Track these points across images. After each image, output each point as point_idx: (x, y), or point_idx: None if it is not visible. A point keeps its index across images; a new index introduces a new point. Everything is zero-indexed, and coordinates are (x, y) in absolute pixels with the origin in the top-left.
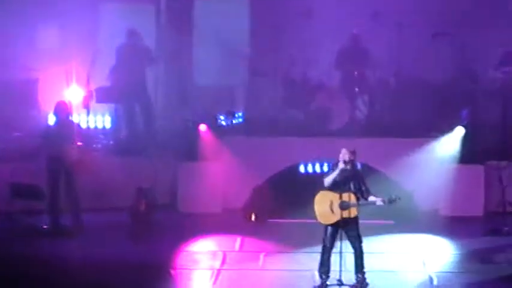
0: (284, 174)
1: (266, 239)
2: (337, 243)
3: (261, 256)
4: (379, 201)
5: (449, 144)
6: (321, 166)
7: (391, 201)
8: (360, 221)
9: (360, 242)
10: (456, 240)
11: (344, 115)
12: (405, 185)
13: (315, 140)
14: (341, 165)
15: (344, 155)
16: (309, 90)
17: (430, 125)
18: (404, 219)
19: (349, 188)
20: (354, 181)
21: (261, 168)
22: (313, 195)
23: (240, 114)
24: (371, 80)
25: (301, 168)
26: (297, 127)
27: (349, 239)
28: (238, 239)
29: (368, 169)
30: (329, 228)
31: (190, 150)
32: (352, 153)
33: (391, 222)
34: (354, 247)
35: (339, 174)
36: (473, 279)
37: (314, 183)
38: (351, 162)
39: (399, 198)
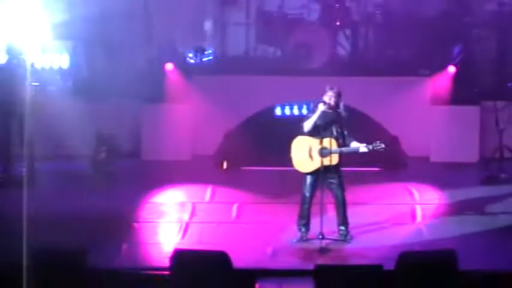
0: (259, 118)
1: (239, 189)
2: (318, 193)
3: (234, 207)
4: (362, 147)
5: (441, 83)
6: (300, 108)
7: (376, 148)
8: (343, 169)
9: (343, 191)
10: (448, 189)
11: (324, 52)
12: (392, 129)
13: (293, 79)
14: (322, 108)
15: (329, 97)
16: (286, 25)
17: (419, 63)
18: (391, 167)
19: (331, 133)
20: (336, 125)
21: (234, 111)
22: (291, 141)
23: (210, 51)
24: (354, 13)
25: (278, 111)
26: (273, 65)
27: (330, 188)
28: (209, 189)
29: (351, 112)
30: (308, 176)
31: (155, 92)
32: (336, 93)
33: (377, 169)
34: (335, 197)
35: (319, 118)
36: (468, 230)
37: (292, 127)
38: (334, 104)
39: (385, 144)
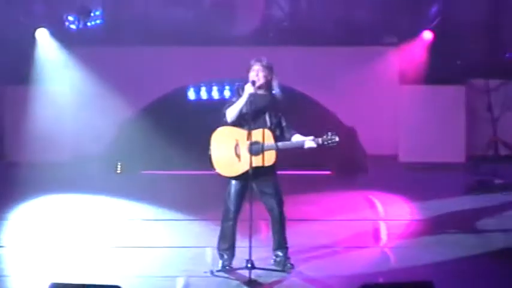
0: (165, 103)
1: (137, 200)
2: (246, 206)
3: (130, 225)
4: (308, 142)
5: (412, 55)
6: (220, 90)
7: (327, 142)
8: (281, 172)
9: (280, 203)
10: (424, 200)
11: (254, 14)
12: (347, 118)
13: (211, 51)
14: (250, 89)
15: (255, 72)
16: None
17: (383, 28)
18: (347, 169)
19: (264, 122)
20: (270, 113)
21: (130, 95)
22: (210, 134)
23: (98, 13)
24: None
25: (191, 94)
26: (182, 32)
27: (263, 199)
28: (96, 201)
29: (292, 94)
30: (233, 182)
31: (21, 70)
32: (267, 69)
33: (328, 172)
34: (270, 211)
35: (247, 103)
36: (449, 255)
37: (210, 115)
38: (266, 83)
39: (337, 138)
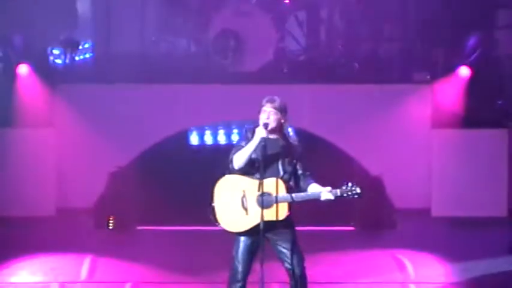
0: (164, 149)
1: (133, 260)
2: (256, 266)
3: None
4: (326, 193)
5: (447, 94)
6: (227, 134)
7: (345, 194)
8: (299, 228)
9: (300, 261)
10: (460, 260)
11: (265, 47)
12: (372, 166)
13: (216, 89)
14: (261, 132)
15: (266, 114)
16: (205, 3)
17: (415, 64)
18: (371, 224)
19: (276, 171)
20: (283, 159)
21: (124, 139)
22: (214, 183)
23: (87, 45)
24: None
25: (193, 138)
26: (184, 68)
27: (280, 258)
28: (87, 260)
29: (308, 139)
30: (241, 239)
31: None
32: (281, 110)
33: (350, 228)
34: (290, 271)
35: (258, 148)
36: None
37: (214, 162)
38: (278, 126)
39: (359, 189)
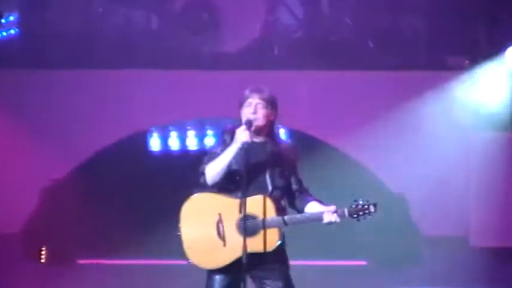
0: (114, 157)
1: None
2: None
3: None
4: (329, 215)
5: (492, 83)
6: (199, 136)
7: (355, 215)
8: (295, 263)
9: None
10: None
11: (250, 21)
12: (391, 180)
13: (184, 76)
14: (243, 135)
15: (252, 107)
16: None
17: (448, 44)
18: (390, 257)
19: (263, 186)
20: (272, 171)
21: (62, 143)
22: (182, 202)
23: (12, 18)
24: None
25: (154, 142)
26: (140, 49)
27: None
28: None
29: (306, 143)
30: (216, 278)
31: None
32: (270, 103)
33: (363, 263)
34: None
35: (239, 155)
36: None
37: (181, 175)
38: (267, 126)
39: (373, 209)
